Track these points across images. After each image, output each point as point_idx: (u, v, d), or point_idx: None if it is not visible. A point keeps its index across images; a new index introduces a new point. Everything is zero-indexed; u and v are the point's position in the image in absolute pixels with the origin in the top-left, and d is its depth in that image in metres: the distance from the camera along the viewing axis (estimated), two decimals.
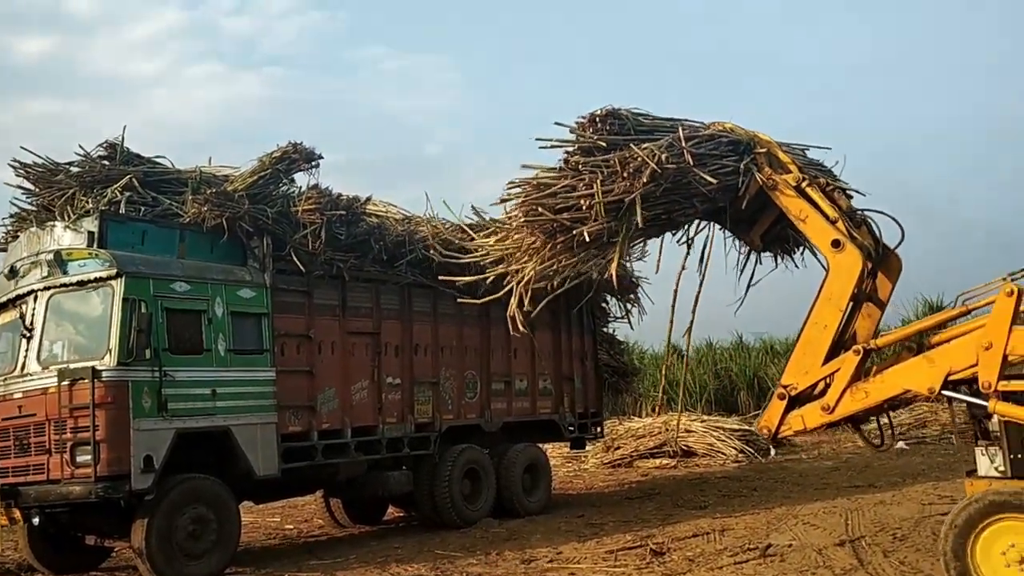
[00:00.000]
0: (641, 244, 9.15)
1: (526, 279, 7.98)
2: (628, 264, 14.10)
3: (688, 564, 8.95)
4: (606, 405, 17.36)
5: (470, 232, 11.21)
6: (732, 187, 7.62)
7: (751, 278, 8.56)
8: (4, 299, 10.03)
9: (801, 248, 8.63)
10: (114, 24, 54.37)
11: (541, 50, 58.19)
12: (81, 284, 9.38)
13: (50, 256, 9.54)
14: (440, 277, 11.24)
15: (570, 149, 7.72)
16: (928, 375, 6.81)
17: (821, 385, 7.24)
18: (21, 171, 11.02)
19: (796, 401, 7.34)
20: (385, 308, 11.87)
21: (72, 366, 9.10)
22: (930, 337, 7.30)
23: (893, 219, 7.55)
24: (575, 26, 57.24)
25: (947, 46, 51.34)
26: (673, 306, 8.55)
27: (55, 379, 9.07)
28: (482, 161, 52.06)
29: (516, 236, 8.19)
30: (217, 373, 9.79)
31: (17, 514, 9.11)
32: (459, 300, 10.79)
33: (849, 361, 7.09)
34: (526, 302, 8.04)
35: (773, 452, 19.34)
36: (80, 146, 11.11)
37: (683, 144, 7.44)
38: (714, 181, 7.40)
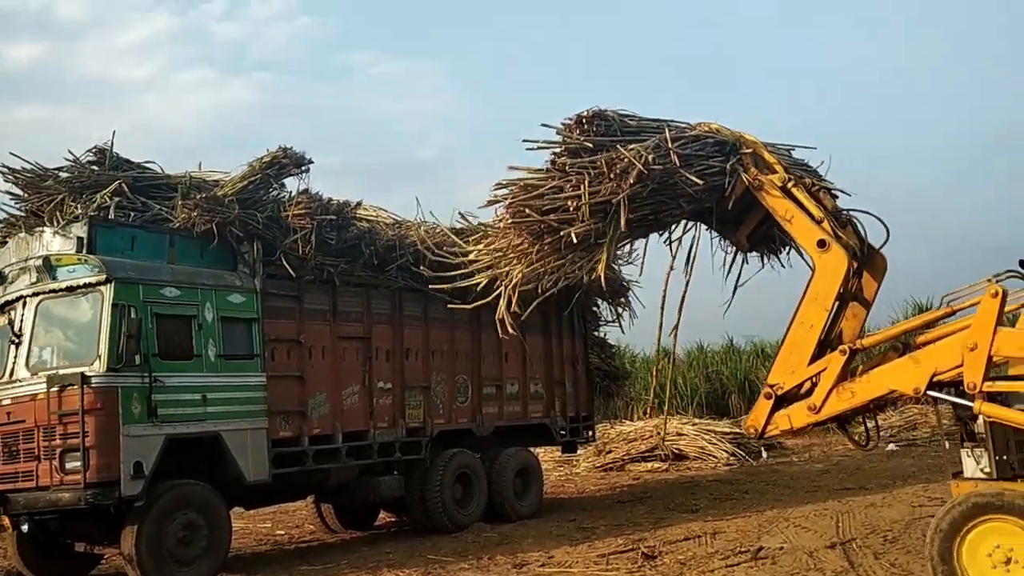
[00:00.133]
0: (628, 245, 9.17)
1: (514, 281, 7.98)
2: (618, 268, 14.16)
3: (680, 567, 8.96)
4: (597, 409, 17.38)
5: (459, 241, 11.21)
6: (718, 188, 7.64)
7: (738, 278, 8.58)
8: None
9: (787, 248, 8.65)
10: (104, 29, 54.30)
11: (535, 53, 58.37)
12: (70, 290, 9.35)
13: (39, 262, 9.51)
14: (431, 287, 11.23)
15: (557, 150, 7.72)
16: (914, 375, 6.84)
17: (807, 385, 7.26)
18: (10, 176, 11.01)
19: (783, 401, 7.36)
20: (376, 313, 11.86)
21: (61, 372, 9.07)
22: (915, 337, 7.34)
23: (878, 219, 7.59)
24: (569, 29, 57.38)
25: (946, 47, 51.53)
26: (662, 308, 8.59)
27: (44, 385, 9.03)
28: (475, 165, 52.13)
29: (503, 238, 8.19)
30: (207, 378, 9.77)
31: (6, 521, 9.10)
32: (449, 305, 10.78)
33: (835, 361, 7.12)
34: (514, 304, 8.04)
35: (764, 455, 19.38)
36: (69, 151, 11.14)
37: (669, 145, 7.46)
38: (700, 182, 7.42)
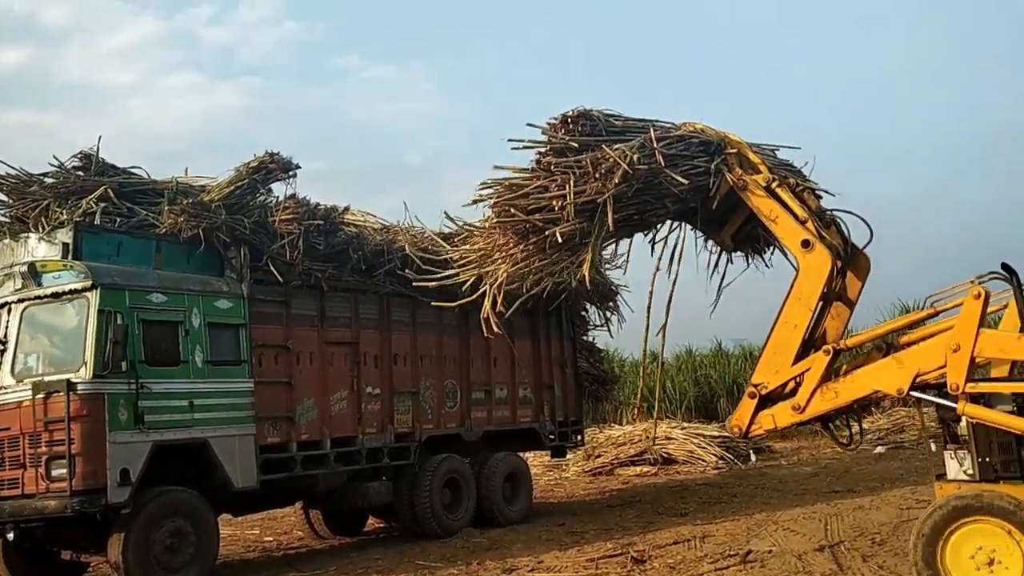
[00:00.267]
0: (614, 246, 9.18)
1: (499, 281, 7.98)
2: (606, 271, 14.17)
3: (669, 571, 8.97)
4: (586, 413, 17.39)
5: (445, 244, 11.20)
6: (703, 187, 7.67)
7: (722, 279, 8.60)
8: None
9: (771, 248, 8.68)
10: (90, 34, 54.08)
11: (526, 57, 58.28)
12: (56, 296, 9.29)
13: (24, 268, 9.45)
14: (415, 283, 11.19)
15: (542, 150, 7.73)
16: (897, 376, 6.88)
17: (791, 384, 7.30)
18: None
19: (767, 400, 7.39)
20: (364, 318, 11.84)
21: (47, 379, 9.01)
22: (899, 338, 7.38)
23: (862, 219, 7.63)
24: (559, 32, 57.43)
25: (946, 47, 51.70)
26: (648, 309, 8.59)
27: (30, 392, 8.97)
28: (464, 169, 52.11)
29: (488, 238, 8.18)
30: (194, 385, 9.73)
31: None
32: (433, 303, 10.73)
33: (819, 361, 7.16)
34: (499, 304, 8.03)
35: (753, 459, 19.42)
36: (54, 157, 11.06)
37: (655, 145, 7.48)
38: (685, 182, 7.44)
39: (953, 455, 6.91)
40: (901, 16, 51.26)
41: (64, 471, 8.68)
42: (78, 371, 8.93)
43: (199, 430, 9.67)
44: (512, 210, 7.64)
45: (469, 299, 8.71)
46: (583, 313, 15.29)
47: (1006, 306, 7.11)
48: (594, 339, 16.04)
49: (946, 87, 50.31)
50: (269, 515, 14.11)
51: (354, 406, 11.55)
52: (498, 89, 55.70)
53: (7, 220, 10.92)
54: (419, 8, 57.46)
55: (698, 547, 10.02)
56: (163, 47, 54.27)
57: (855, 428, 8.07)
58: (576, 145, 7.56)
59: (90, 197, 10.53)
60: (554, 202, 7.45)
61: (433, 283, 9.98)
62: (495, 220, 7.88)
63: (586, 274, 7.62)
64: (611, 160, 7.28)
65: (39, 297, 9.36)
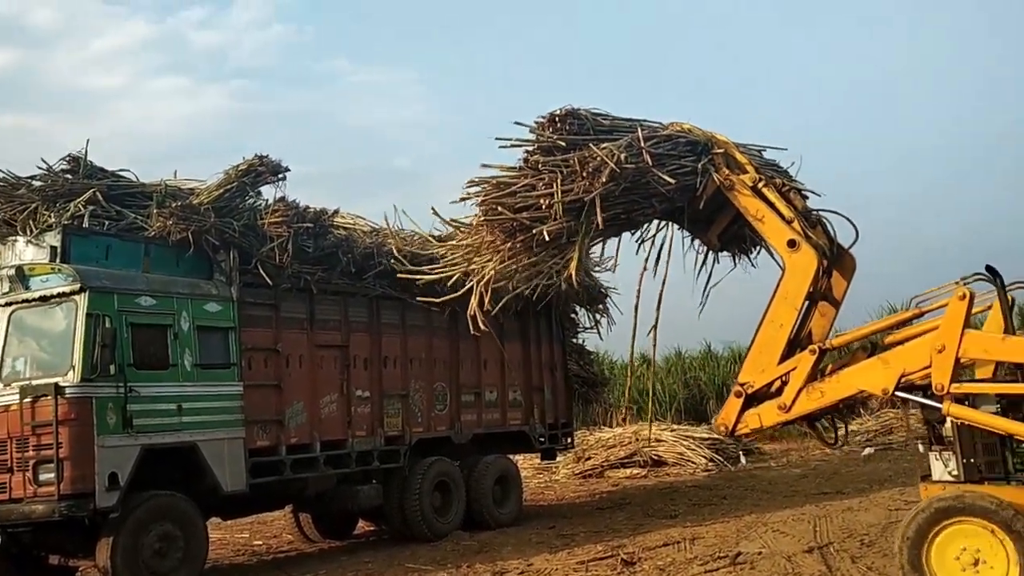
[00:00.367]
0: (601, 245, 9.20)
1: (486, 278, 7.98)
2: (596, 273, 14.20)
3: (659, 573, 8.99)
4: (576, 415, 17.40)
5: (434, 242, 11.17)
6: (690, 187, 7.69)
7: (708, 278, 8.63)
8: None
9: (757, 248, 8.72)
10: (78, 37, 53.86)
11: (518, 60, 58.30)
12: (44, 299, 9.25)
13: (12, 271, 9.40)
14: (399, 275, 11.15)
15: (530, 149, 7.73)
16: (883, 376, 6.91)
17: (777, 384, 7.32)
18: None
19: (753, 399, 7.42)
20: (353, 321, 11.83)
21: (35, 383, 8.97)
22: (884, 338, 7.42)
23: (847, 219, 7.67)
24: (553, 35, 57.49)
25: (948, 47, 51.84)
26: (636, 308, 8.60)
27: (17, 396, 8.93)
28: (454, 173, 52.15)
29: (476, 235, 8.18)
30: (183, 388, 9.70)
31: None
32: (418, 299, 10.72)
33: (805, 360, 7.19)
34: (487, 301, 8.03)
35: (743, 460, 19.47)
36: (43, 159, 11.03)
37: (642, 144, 7.49)
38: (672, 181, 7.45)
39: (938, 456, 6.96)
40: (904, 16, 51.39)
41: (52, 475, 8.64)
42: (66, 375, 8.89)
43: (188, 434, 9.64)
44: (500, 208, 7.63)
45: (455, 295, 8.70)
46: (573, 316, 15.30)
47: (990, 307, 7.16)
48: (584, 341, 16.09)
49: (948, 87, 50.49)
50: (258, 519, 14.08)
51: (344, 409, 11.54)
52: (489, 92, 55.70)
53: None
54: (409, 12, 57.47)
55: (688, 549, 10.03)
56: (153, 50, 54.15)
57: (841, 428, 8.11)
58: (564, 144, 7.56)
59: (78, 200, 10.49)
60: (541, 200, 7.45)
61: (421, 281, 9.97)
62: (482, 218, 7.87)
63: (573, 273, 7.62)
64: (598, 159, 7.29)
65: (27, 300, 9.33)
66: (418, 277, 9.98)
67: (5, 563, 9.94)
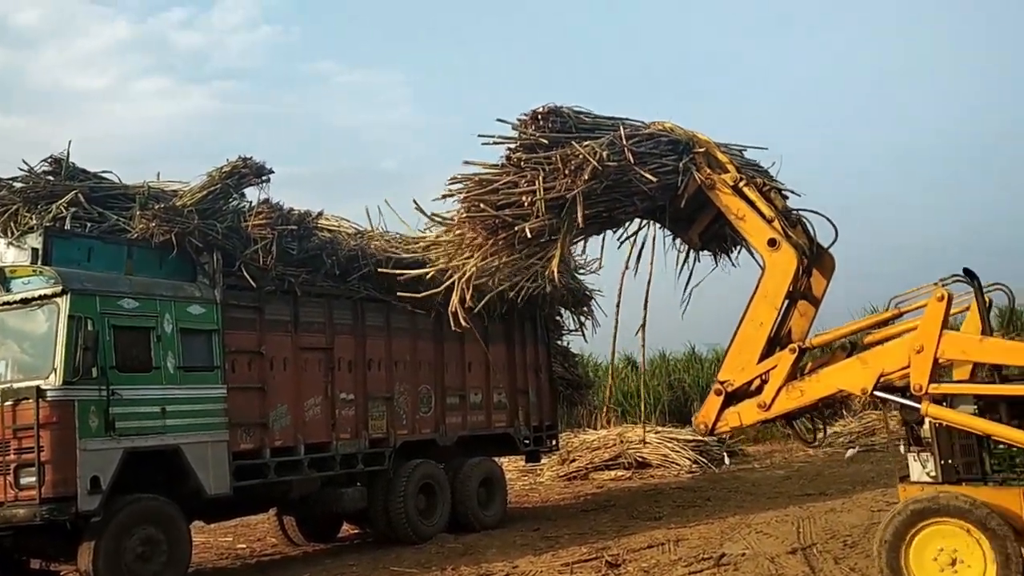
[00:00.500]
0: (583, 246, 9.23)
1: (467, 275, 7.98)
2: (580, 275, 14.23)
3: (643, 575, 9.00)
4: (561, 417, 17.41)
5: (417, 240, 11.14)
6: (671, 186, 7.73)
7: (689, 277, 8.67)
8: None
9: (738, 248, 8.76)
10: (62, 38, 53.52)
11: (504, 63, 58.33)
12: (25, 302, 9.18)
13: None
14: (380, 270, 11.14)
15: (512, 146, 7.75)
16: (861, 376, 6.97)
17: (757, 382, 7.38)
18: None
19: (733, 397, 7.46)
20: (338, 323, 11.80)
21: (16, 386, 8.91)
22: (863, 338, 7.48)
23: (827, 219, 7.73)
24: (541, 38, 57.53)
25: (945, 50, 52.18)
26: (618, 306, 8.63)
27: None
28: (440, 174, 51.72)
29: (458, 232, 8.19)
30: (166, 391, 9.66)
31: None
32: (399, 293, 10.71)
33: (785, 359, 7.24)
34: (468, 298, 8.03)
35: (727, 462, 19.53)
36: (24, 161, 10.95)
37: (624, 142, 7.53)
38: (654, 179, 7.49)
39: (916, 457, 7.02)
40: (902, 15, 51.59)
41: (33, 479, 8.57)
42: (48, 378, 8.83)
43: (171, 437, 9.60)
44: (482, 205, 7.64)
45: (436, 291, 8.69)
46: (557, 318, 15.32)
47: (967, 308, 7.22)
48: (568, 344, 16.11)
49: (947, 87, 50.78)
50: (242, 522, 14.00)
51: (328, 412, 11.51)
52: (475, 95, 55.68)
53: None
54: (396, 14, 57.40)
55: (672, 551, 10.06)
56: (136, 51, 53.87)
57: (820, 427, 8.16)
58: (546, 141, 7.59)
59: (60, 202, 10.42)
60: (524, 198, 7.47)
61: (402, 277, 9.97)
62: (465, 215, 7.87)
63: (555, 270, 7.64)
64: (581, 157, 7.31)
65: (8, 303, 9.25)
66: (400, 272, 9.99)
67: None
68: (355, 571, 10.47)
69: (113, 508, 8.99)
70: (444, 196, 8.04)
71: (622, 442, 19.48)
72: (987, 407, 6.72)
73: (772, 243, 7.36)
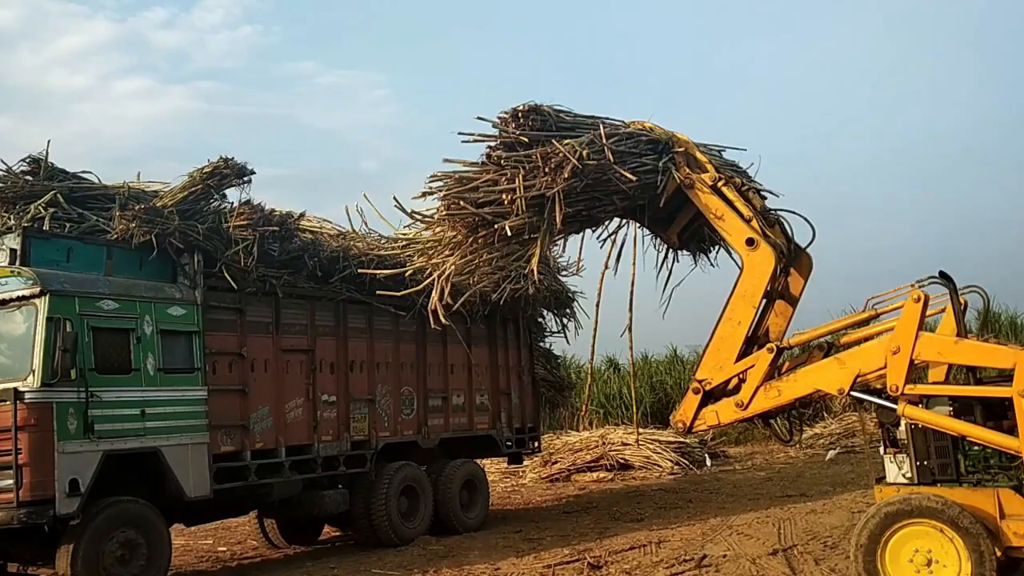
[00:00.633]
0: (563, 245, 9.24)
1: (447, 273, 7.98)
2: (562, 277, 14.24)
3: None
4: (543, 419, 17.42)
5: (399, 233, 11.11)
6: (651, 185, 7.76)
7: (669, 277, 8.70)
8: None
9: (716, 248, 8.81)
10: (40, 37, 53.05)
11: (485, 65, 58.26)
12: (3, 303, 9.09)
13: None
14: (360, 270, 11.11)
15: (492, 144, 7.75)
16: (838, 376, 7.02)
17: (735, 381, 7.41)
18: None
19: (711, 396, 7.49)
20: (320, 325, 11.76)
21: None
22: (839, 338, 7.53)
23: (805, 219, 7.77)
24: (514, 41, 57.52)
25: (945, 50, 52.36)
26: (597, 305, 8.63)
27: None
28: (422, 175, 51.54)
29: (438, 230, 8.17)
30: (146, 393, 9.59)
31: None
32: (378, 292, 10.67)
33: (763, 359, 7.28)
34: (446, 295, 8.02)
35: (708, 464, 19.61)
36: (2, 161, 10.87)
37: (604, 141, 7.54)
38: (634, 178, 7.51)
39: (892, 459, 7.07)
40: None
41: (11, 482, 8.50)
42: (26, 379, 8.76)
43: (151, 439, 9.53)
44: (461, 203, 7.64)
45: (416, 289, 8.67)
46: (540, 320, 15.33)
47: (943, 310, 7.28)
48: (551, 346, 16.14)
49: (946, 86, 51.04)
50: (223, 524, 13.93)
51: (310, 414, 11.46)
52: (456, 97, 55.58)
53: None
54: (376, 15, 57.29)
55: (654, 552, 10.09)
56: (115, 50, 53.49)
57: (797, 426, 8.22)
58: (526, 140, 7.58)
59: (39, 202, 10.36)
60: (503, 196, 7.46)
61: (381, 275, 9.93)
62: (444, 213, 7.87)
63: (534, 268, 7.65)
64: (561, 155, 7.32)
65: None
66: (379, 272, 9.96)
67: None
68: (336, 574, 10.43)
69: (92, 511, 8.92)
70: (424, 194, 8.01)
71: (604, 444, 19.52)
72: (962, 408, 6.77)
73: (750, 242, 7.41)
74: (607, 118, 8.09)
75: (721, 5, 54.28)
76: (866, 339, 7.22)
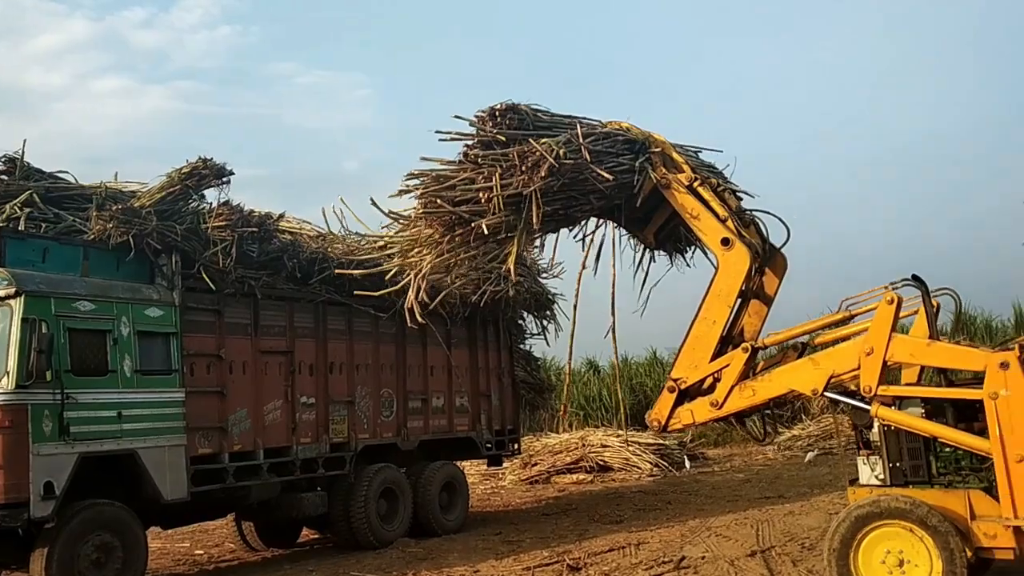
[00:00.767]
0: (540, 246, 9.24)
1: (423, 271, 7.97)
2: (542, 279, 14.25)
3: None
4: (523, 421, 17.44)
5: (378, 234, 11.09)
6: (627, 185, 7.80)
7: (646, 276, 8.73)
8: None
9: (692, 248, 8.85)
10: (16, 35, 52.55)
11: (466, 65, 58.16)
12: None
13: None
14: (338, 271, 11.07)
15: (470, 143, 7.76)
16: (812, 376, 7.08)
17: (710, 380, 7.46)
18: None
19: (686, 395, 7.53)
20: (299, 326, 11.71)
21: None
22: (814, 338, 7.58)
23: (779, 219, 7.83)
24: (497, 42, 57.49)
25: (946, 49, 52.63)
26: (575, 306, 8.65)
27: None
28: (402, 174, 51.44)
29: (415, 228, 8.16)
30: (123, 395, 9.51)
31: None
32: (356, 292, 10.62)
33: (738, 358, 7.33)
34: (423, 294, 8.01)
35: (687, 465, 19.68)
36: None
37: (581, 140, 7.58)
38: (610, 177, 7.55)
39: (865, 461, 7.12)
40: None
41: None
42: (0, 381, 8.66)
43: (128, 441, 9.45)
44: (438, 201, 7.64)
45: (394, 288, 8.65)
46: (520, 322, 15.33)
47: (916, 312, 7.35)
48: (531, 348, 16.14)
49: (945, 85, 51.36)
50: (200, 527, 13.84)
51: (288, 416, 11.41)
52: (437, 98, 55.48)
53: None
54: (357, 16, 57.12)
55: (633, 554, 10.11)
56: (93, 49, 53.06)
57: (772, 426, 8.27)
58: (503, 138, 7.61)
59: (14, 202, 10.26)
60: (481, 194, 7.47)
61: (358, 273, 9.90)
62: (421, 211, 7.85)
63: (511, 267, 7.66)
64: (538, 154, 7.34)
65: None
66: (356, 272, 9.93)
67: None
68: None
69: (67, 514, 8.83)
70: (401, 192, 8.00)
71: (584, 446, 19.54)
72: (934, 410, 6.83)
73: (726, 242, 7.47)
74: (584, 118, 8.13)
75: (721, 5, 54.48)
76: (841, 340, 7.28)
